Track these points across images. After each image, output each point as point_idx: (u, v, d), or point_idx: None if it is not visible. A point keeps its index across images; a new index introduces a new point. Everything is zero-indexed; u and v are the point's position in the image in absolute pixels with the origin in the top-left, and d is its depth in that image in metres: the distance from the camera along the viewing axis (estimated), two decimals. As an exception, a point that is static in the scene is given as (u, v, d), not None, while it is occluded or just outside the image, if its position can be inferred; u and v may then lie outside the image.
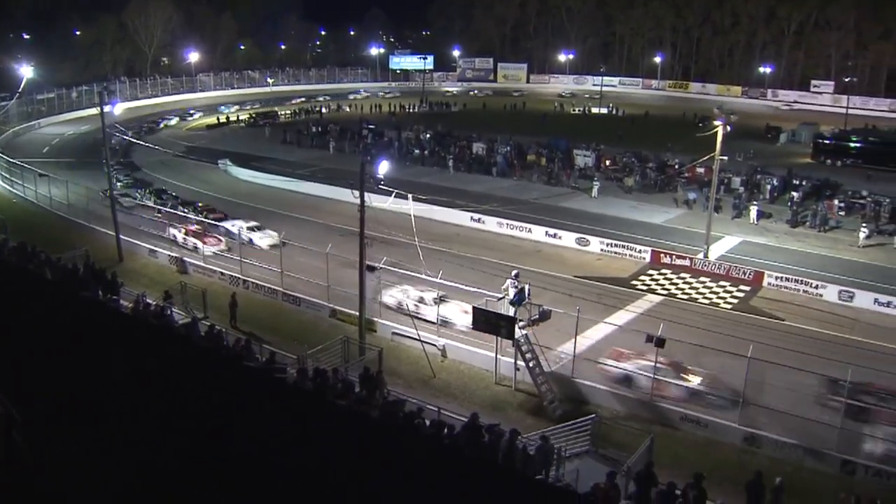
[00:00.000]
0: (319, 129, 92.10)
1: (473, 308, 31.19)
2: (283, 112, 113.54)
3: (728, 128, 46.29)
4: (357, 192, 31.50)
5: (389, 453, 6.84)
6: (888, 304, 41.08)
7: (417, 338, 33.82)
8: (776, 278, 43.91)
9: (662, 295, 42.50)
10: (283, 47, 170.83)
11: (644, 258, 47.52)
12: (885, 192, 62.22)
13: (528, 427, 26.98)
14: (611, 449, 25.41)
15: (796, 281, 43.50)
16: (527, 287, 32.63)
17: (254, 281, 41.52)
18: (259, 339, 32.65)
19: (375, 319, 36.38)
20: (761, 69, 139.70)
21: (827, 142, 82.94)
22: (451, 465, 6.78)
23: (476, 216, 53.83)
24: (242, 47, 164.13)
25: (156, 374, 8.40)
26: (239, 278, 42.03)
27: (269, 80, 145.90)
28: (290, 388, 14.97)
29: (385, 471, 6.66)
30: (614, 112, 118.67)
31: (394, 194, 35.73)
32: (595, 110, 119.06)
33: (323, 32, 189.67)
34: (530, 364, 30.06)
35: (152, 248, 46.97)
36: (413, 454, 6.83)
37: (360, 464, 6.75)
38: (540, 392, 29.99)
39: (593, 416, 26.73)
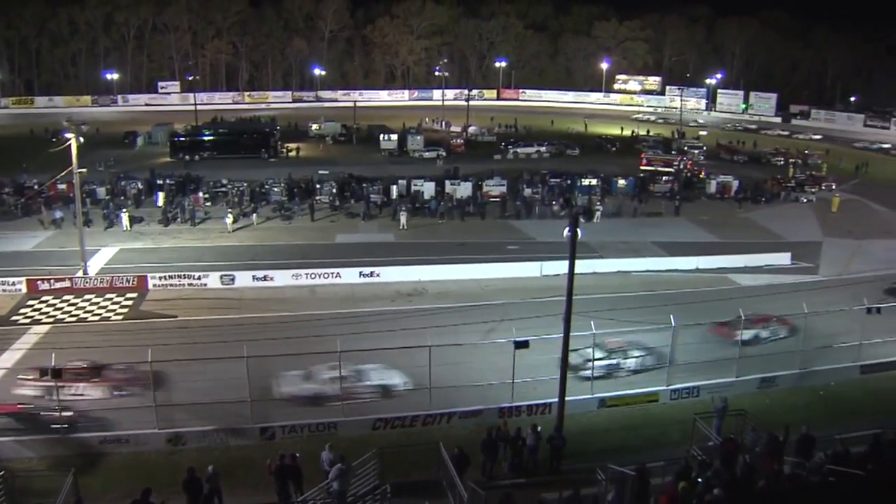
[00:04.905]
0: None
1: None
2: None
3: (80, 139, 45.28)
4: None
5: None
6: (264, 278, 45.08)
7: None
8: (160, 278, 44.81)
9: (49, 323, 40.17)
10: None
11: (20, 290, 44.13)
12: (240, 177, 67.09)
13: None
14: (35, 500, 23.58)
15: (179, 276, 44.98)
16: None
17: None
18: None
19: None
20: (108, 76, 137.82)
21: (182, 139, 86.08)
22: None
23: None
24: None
25: None
26: None
27: None
28: None
29: None
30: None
31: None
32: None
33: None
34: None
35: None
36: None
37: None
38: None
39: (2, 472, 24.33)
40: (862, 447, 23.55)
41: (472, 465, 24.67)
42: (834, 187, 76.45)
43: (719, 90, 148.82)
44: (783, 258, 52.20)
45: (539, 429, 26.48)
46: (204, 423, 28.78)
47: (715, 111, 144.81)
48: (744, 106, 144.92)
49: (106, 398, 30.49)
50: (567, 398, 28.04)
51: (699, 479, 20.72)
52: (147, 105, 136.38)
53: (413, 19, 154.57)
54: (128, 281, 44.60)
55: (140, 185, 65.65)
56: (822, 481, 20.63)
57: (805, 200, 72.29)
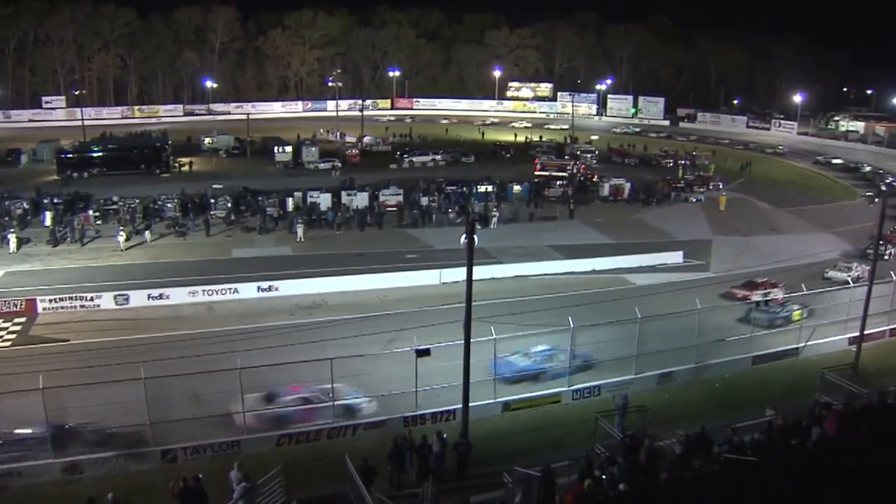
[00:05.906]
0: None
1: None
2: None
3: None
4: None
5: None
6: (159, 297, 44.01)
7: None
8: (50, 301, 43.10)
9: (-70, 353, 38.18)
10: None
11: None
12: (132, 193, 65.28)
13: None
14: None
15: (70, 298, 43.36)
16: None
17: None
18: None
19: None
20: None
21: (69, 156, 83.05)
22: None
23: None
24: None
25: None
26: None
27: None
28: None
29: None
30: None
31: None
32: None
33: None
34: None
35: None
36: None
37: None
38: None
39: None
40: (756, 434, 24.46)
41: (378, 477, 24.57)
42: (721, 187, 79.43)
43: (609, 95, 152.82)
44: (676, 257, 53.91)
45: (445, 436, 26.61)
46: (101, 449, 27.76)
47: (606, 116, 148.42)
48: (633, 110, 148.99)
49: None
50: (471, 403, 28.27)
51: (604, 476, 21.16)
52: (31, 121, 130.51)
53: (305, 30, 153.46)
54: (15, 305, 42.72)
55: (26, 205, 62.93)
56: (721, 470, 21.32)
57: (694, 200, 74.86)
